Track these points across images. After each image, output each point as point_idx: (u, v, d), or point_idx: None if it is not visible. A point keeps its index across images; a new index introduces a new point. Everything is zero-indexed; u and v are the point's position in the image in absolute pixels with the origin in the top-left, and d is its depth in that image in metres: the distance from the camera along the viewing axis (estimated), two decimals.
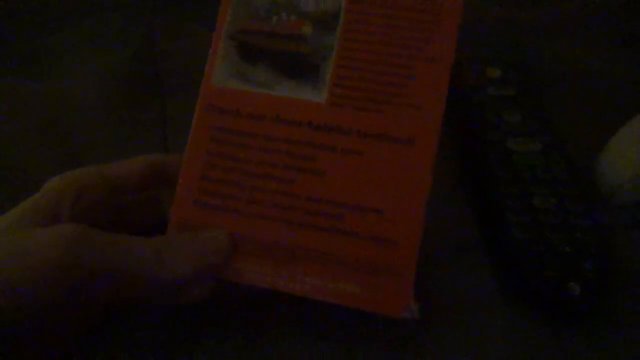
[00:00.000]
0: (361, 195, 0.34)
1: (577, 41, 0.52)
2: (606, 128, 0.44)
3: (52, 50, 0.51)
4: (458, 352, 0.36)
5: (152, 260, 0.31)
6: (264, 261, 0.34)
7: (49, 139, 0.45)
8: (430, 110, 0.34)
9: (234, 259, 0.34)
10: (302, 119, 0.34)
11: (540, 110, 0.44)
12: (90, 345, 0.34)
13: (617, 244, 0.40)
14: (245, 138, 0.35)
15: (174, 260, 0.32)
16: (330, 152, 0.34)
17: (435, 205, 0.40)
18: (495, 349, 0.36)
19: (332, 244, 0.34)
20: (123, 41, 0.51)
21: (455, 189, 0.43)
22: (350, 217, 0.34)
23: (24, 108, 0.47)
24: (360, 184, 0.34)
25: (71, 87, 0.48)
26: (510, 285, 0.38)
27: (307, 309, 0.36)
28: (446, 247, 0.39)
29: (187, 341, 0.36)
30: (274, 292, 0.34)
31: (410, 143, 0.34)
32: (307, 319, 0.36)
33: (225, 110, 0.35)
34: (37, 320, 0.30)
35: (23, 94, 0.48)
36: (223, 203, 0.34)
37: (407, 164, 0.34)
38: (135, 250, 0.31)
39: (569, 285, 0.37)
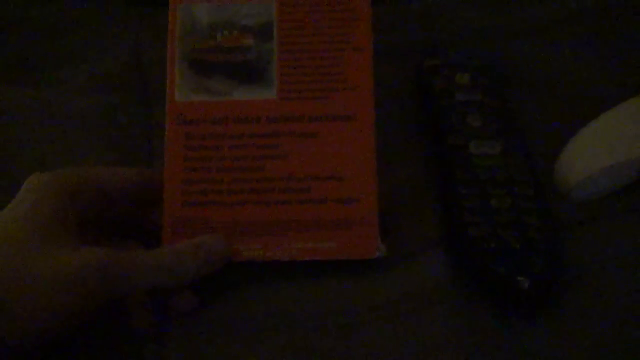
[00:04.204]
0: (322, 168, 0.40)
1: (544, 46, 0.54)
2: (568, 129, 0.46)
3: (47, 59, 0.55)
4: (413, 340, 0.38)
5: (166, 275, 0.37)
6: (255, 238, 0.40)
7: (43, 143, 0.49)
8: (363, 89, 0.41)
9: (229, 242, 0.39)
10: (260, 115, 0.41)
11: (504, 114, 0.47)
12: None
13: (573, 239, 0.42)
14: (215, 140, 0.40)
15: (183, 272, 0.37)
16: (290, 138, 0.40)
17: (404, 203, 0.44)
18: (450, 338, 0.38)
19: (306, 212, 0.40)
20: (113, 51, 0.55)
21: (424, 190, 0.45)
22: (316, 187, 0.40)
23: (20, 113, 0.51)
24: (320, 159, 0.40)
25: (64, 94, 0.52)
26: (466, 280, 0.40)
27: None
28: (411, 242, 0.42)
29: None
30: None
31: (353, 119, 0.41)
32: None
33: (192, 120, 0.41)
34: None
35: (18, 100, 0.52)
36: (208, 199, 0.40)
37: (353, 135, 0.41)
38: (151, 267, 0.36)
39: (518, 279, 0.38)
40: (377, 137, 0.41)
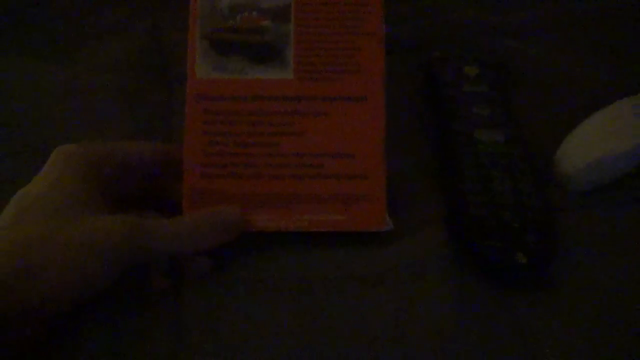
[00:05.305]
0: (334, 146, 0.42)
1: (549, 44, 0.56)
2: (568, 123, 0.48)
3: (71, 38, 0.57)
4: (412, 305, 0.40)
5: (186, 242, 0.39)
6: (268, 210, 0.42)
7: (67, 117, 0.51)
8: (374, 73, 0.43)
9: (244, 213, 0.41)
10: (277, 94, 0.42)
11: (508, 106, 0.49)
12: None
13: (571, 224, 0.44)
14: (233, 116, 0.42)
15: (201, 239, 0.39)
16: (304, 116, 0.42)
17: (412, 182, 0.47)
18: (445, 305, 0.40)
19: (318, 187, 0.42)
20: (134, 32, 0.57)
21: (430, 171, 0.48)
22: (329, 163, 0.42)
23: (44, 88, 0.53)
24: (332, 137, 0.42)
25: (87, 71, 0.54)
26: (466, 255, 0.42)
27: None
28: (416, 218, 0.44)
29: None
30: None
31: (364, 100, 0.43)
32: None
33: (211, 97, 0.42)
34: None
35: (43, 75, 0.54)
36: (225, 171, 0.42)
37: (364, 116, 0.42)
38: (172, 234, 0.38)
39: (516, 255, 0.40)
40: (386, 119, 0.43)
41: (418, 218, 0.44)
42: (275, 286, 0.41)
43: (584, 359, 0.38)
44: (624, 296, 0.40)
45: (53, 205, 0.36)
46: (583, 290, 0.41)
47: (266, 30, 0.43)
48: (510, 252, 0.41)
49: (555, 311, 0.40)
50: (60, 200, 0.36)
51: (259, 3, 0.43)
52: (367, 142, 0.42)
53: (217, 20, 0.43)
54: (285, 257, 0.42)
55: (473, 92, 0.50)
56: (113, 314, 0.39)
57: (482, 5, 0.59)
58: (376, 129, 0.42)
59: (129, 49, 0.56)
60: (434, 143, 0.49)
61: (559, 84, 0.53)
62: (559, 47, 0.56)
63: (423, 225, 0.44)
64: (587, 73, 0.54)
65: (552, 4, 0.59)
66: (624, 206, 0.45)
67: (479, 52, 0.54)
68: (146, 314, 0.39)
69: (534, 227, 0.42)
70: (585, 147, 0.47)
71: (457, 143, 0.47)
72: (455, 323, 0.39)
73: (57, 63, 0.55)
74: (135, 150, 0.41)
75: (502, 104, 0.49)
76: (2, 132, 0.50)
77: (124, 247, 0.36)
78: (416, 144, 0.49)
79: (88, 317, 0.38)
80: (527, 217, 0.42)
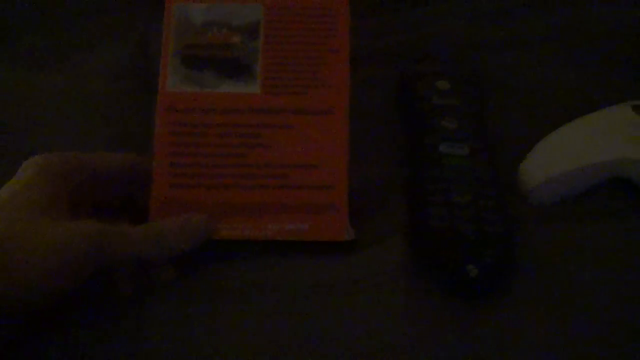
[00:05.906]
0: (299, 157, 0.44)
1: (524, 58, 0.56)
2: (537, 137, 0.49)
3: (62, 46, 0.59)
4: (370, 314, 0.41)
5: (152, 247, 0.40)
6: (234, 219, 0.43)
7: (54, 123, 0.52)
8: (339, 87, 0.45)
9: (211, 221, 0.42)
10: (245, 107, 0.44)
11: (478, 119, 0.50)
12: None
13: (530, 238, 0.45)
14: (201, 128, 0.44)
15: (167, 246, 0.41)
16: (270, 129, 0.44)
17: (376, 194, 0.48)
18: (401, 315, 0.41)
19: (283, 197, 0.43)
20: (123, 41, 0.58)
21: (395, 183, 0.48)
22: (293, 174, 0.43)
23: (34, 95, 0.55)
24: (297, 149, 0.44)
25: (77, 80, 0.55)
26: (422, 266, 0.43)
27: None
28: (378, 229, 0.45)
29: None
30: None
31: (329, 113, 0.44)
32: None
33: (181, 109, 0.44)
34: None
35: (34, 83, 0.56)
36: (192, 181, 0.43)
37: (329, 128, 0.44)
38: (138, 240, 0.39)
39: (467, 268, 0.41)
40: (350, 131, 0.44)
41: (381, 228, 0.45)
42: (238, 294, 0.42)
43: None
44: (583, 309, 0.41)
45: (18, 209, 0.38)
46: (542, 304, 0.41)
47: (235, 47, 0.45)
48: (462, 265, 0.41)
49: (511, 323, 0.40)
50: (25, 205, 0.38)
51: (230, 21, 0.45)
52: (330, 154, 0.44)
53: (190, 36, 0.45)
54: (250, 265, 0.43)
55: (442, 105, 0.50)
56: (73, 320, 0.40)
57: (472, 18, 0.60)
58: (340, 141, 0.44)
59: (118, 57, 0.57)
60: (403, 156, 0.50)
61: (532, 97, 0.54)
62: (536, 60, 0.56)
63: (387, 237, 0.45)
64: (563, 86, 0.54)
65: (540, 17, 0.60)
66: (585, 220, 0.46)
67: (454, 65, 0.54)
68: (107, 320, 0.40)
69: (489, 241, 0.43)
70: (548, 160, 0.48)
71: (423, 156, 0.48)
72: (413, 335, 0.40)
73: (47, 71, 0.57)
74: (106, 162, 0.43)
75: (471, 117, 0.50)
76: None
77: (90, 251, 0.37)
78: (387, 155, 0.50)
79: (48, 323, 0.39)
80: (485, 230, 0.43)
